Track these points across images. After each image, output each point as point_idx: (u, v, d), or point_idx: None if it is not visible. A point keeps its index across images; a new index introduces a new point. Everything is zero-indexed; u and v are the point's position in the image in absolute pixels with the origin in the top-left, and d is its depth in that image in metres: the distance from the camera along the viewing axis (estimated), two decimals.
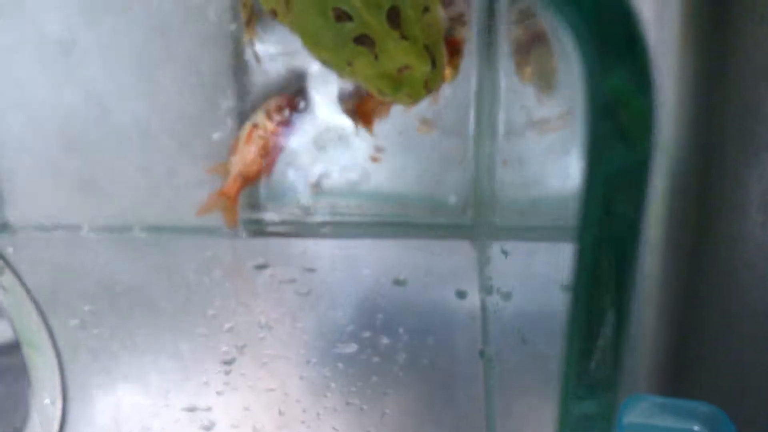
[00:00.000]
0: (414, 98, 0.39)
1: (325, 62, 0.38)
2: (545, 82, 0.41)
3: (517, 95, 0.43)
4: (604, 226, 0.22)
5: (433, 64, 0.37)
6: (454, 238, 0.45)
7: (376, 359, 0.47)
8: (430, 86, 0.38)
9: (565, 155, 0.43)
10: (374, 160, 0.44)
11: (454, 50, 0.41)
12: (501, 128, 0.43)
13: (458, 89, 0.43)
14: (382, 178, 0.45)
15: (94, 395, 0.47)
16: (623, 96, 0.19)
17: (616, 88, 0.19)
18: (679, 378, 0.45)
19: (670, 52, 0.42)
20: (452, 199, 0.45)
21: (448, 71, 0.41)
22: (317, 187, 0.45)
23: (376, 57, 0.37)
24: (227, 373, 0.49)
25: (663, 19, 0.42)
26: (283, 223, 0.45)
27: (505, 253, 0.44)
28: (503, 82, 0.43)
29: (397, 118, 0.44)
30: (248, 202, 0.45)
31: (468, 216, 0.45)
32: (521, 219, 0.44)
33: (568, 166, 0.44)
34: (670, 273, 0.44)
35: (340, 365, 0.48)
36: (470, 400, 0.47)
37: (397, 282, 0.46)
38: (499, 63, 0.43)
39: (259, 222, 0.46)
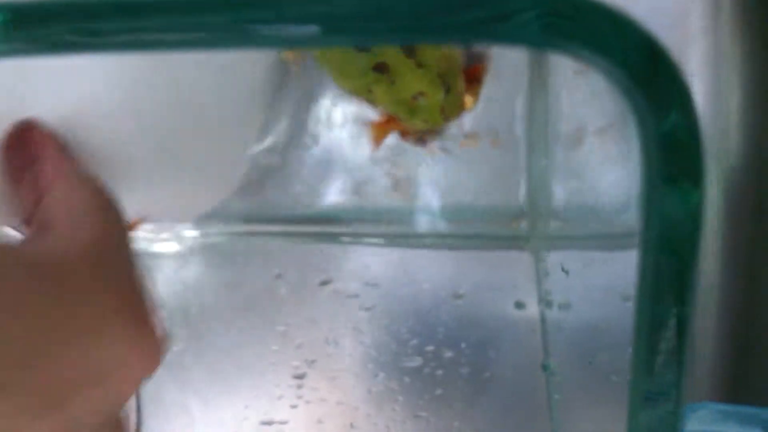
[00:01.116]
0: (430, 124, 0.40)
1: (350, 91, 0.40)
2: None
3: (568, 106, 0.43)
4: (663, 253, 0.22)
5: (448, 91, 0.38)
6: (511, 249, 0.45)
7: (440, 372, 0.48)
8: (447, 113, 0.40)
9: (618, 164, 0.43)
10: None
11: (474, 78, 0.41)
12: (553, 139, 0.44)
13: (510, 101, 0.44)
14: (437, 191, 0.46)
15: (169, 410, 0.50)
16: (676, 139, 0.20)
17: (668, 132, 0.19)
18: (740, 385, 0.44)
19: (722, 60, 0.41)
20: (507, 211, 0.45)
21: (468, 99, 0.41)
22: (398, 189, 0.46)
23: (392, 83, 0.38)
24: (299, 387, 0.50)
25: (714, 26, 0.41)
26: (341, 236, 0.47)
27: (566, 271, 0.44)
28: (554, 93, 0.43)
29: (449, 131, 0.44)
30: (310, 217, 0.47)
31: (524, 227, 0.45)
32: (577, 228, 0.44)
33: (621, 174, 0.43)
34: (728, 281, 0.43)
35: (407, 379, 0.49)
36: (534, 413, 0.47)
37: (457, 295, 0.46)
38: (550, 74, 0.43)
39: (318, 236, 0.47)
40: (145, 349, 0.21)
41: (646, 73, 0.19)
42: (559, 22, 0.18)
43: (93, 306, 0.20)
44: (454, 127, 0.44)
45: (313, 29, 0.19)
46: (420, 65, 0.38)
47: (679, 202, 0.21)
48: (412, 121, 0.40)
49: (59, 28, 0.20)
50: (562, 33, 0.18)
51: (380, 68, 0.38)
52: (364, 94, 0.40)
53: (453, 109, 0.40)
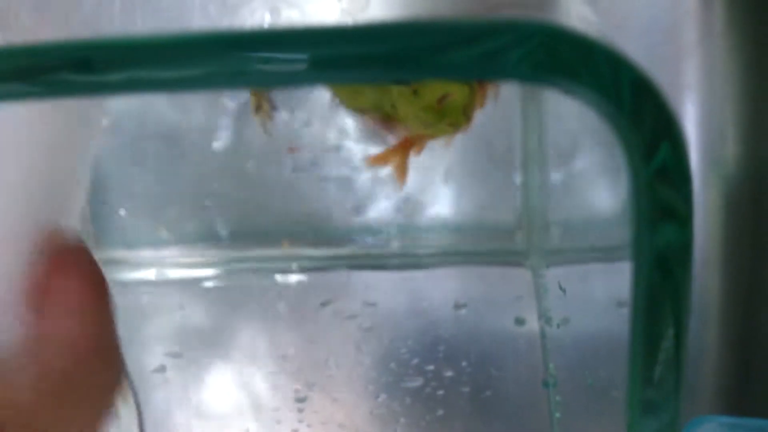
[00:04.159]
0: (455, 126, 0.40)
1: (366, 109, 0.40)
2: None
3: (561, 120, 0.43)
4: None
5: (470, 88, 0.39)
6: (508, 264, 0.45)
7: (441, 392, 0.47)
8: (467, 113, 0.40)
9: (614, 176, 0.43)
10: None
11: None
12: (548, 152, 0.44)
13: (504, 115, 0.44)
14: (434, 209, 0.46)
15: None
16: (666, 175, 0.20)
17: (659, 168, 0.20)
18: (743, 397, 0.43)
19: (716, 72, 0.42)
20: (504, 226, 0.45)
21: (479, 97, 0.41)
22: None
23: (415, 92, 0.38)
24: (300, 410, 0.50)
25: (708, 39, 0.42)
26: (341, 257, 0.47)
27: (563, 290, 0.44)
28: (548, 108, 0.44)
29: (445, 151, 0.45)
30: (307, 239, 0.47)
31: (520, 241, 0.45)
32: (574, 242, 0.44)
33: (617, 186, 0.43)
34: (729, 291, 0.42)
35: (408, 399, 0.48)
36: (536, 430, 0.46)
37: (456, 313, 0.46)
38: (544, 89, 0.43)
39: (318, 258, 0.47)
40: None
41: (636, 109, 0.19)
42: (548, 57, 0.18)
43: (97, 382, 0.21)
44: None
45: (305, 66, 0.19)
46: None
47: (670, 235, 0.21)
48: (439, 126, 0.39)
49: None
50: (551, 68, 0.18)
51: (402, 80, 0.38)
52: (387, 109, 0.40)
53: (473, 107, 0.40)
